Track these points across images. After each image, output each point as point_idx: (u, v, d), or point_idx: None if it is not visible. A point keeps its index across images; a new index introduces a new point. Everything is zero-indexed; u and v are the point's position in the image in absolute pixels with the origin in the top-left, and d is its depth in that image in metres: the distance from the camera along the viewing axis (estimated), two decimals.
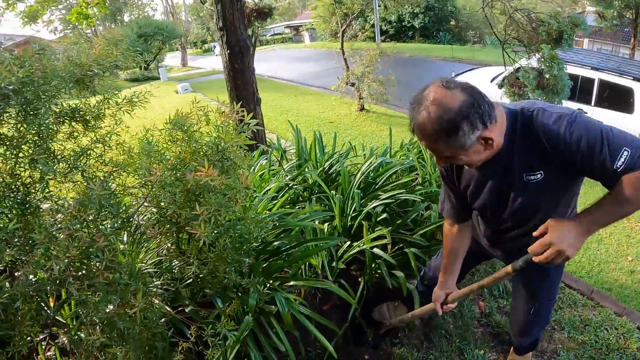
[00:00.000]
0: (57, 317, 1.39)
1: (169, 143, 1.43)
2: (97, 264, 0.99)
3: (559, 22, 3.94)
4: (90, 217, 1.08)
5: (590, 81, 5.64)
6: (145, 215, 1.58)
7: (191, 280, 1.58)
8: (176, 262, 1.62)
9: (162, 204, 1.34)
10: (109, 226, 1.10)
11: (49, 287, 0.94)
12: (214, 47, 28.34)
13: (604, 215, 1.04)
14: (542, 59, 4.04)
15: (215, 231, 1.14)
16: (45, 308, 1.20)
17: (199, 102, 1.45)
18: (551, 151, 1.04)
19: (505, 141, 1.10)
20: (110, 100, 1.41)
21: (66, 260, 0.87)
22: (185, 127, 1.40)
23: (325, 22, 11.20)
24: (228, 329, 1.15)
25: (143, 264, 1.75)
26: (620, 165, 0.97)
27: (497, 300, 2.37)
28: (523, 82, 4.20)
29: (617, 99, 5.79)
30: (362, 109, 8.02)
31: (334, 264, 2.14)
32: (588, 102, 5.52)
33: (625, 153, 0.96)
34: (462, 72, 7.94)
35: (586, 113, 5.42)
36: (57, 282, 0.91)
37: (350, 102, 8.40)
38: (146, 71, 18.61)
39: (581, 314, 2.30)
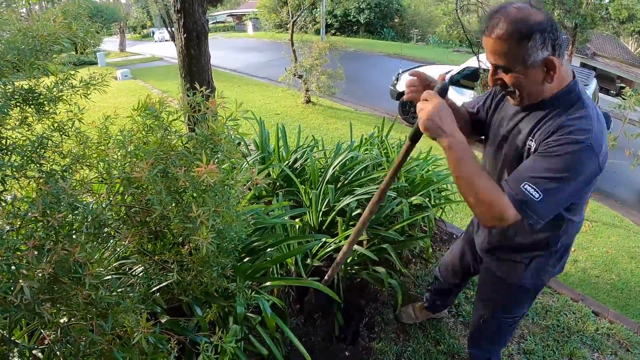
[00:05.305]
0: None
1: (142, 132, 1.26)
2: (70, 280, 0.82)
3: None
4: (56, 222, 0.89)
5: None
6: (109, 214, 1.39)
7: (163, 285, 1.43)
8: (144, 267, 1.45)
9: (132, 204, 1.17)
10: (80, 231, 0.92)
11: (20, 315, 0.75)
12: (153, 32, 26.74)
13: (463, 166, 1.04)
14: None
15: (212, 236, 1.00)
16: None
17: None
18: (545, 139, 1.04)
19: (550, 99, 1.10)
20: (65, 82, 1.21)
21: (39, 279, 0.69)
22: (160, 116, 1.25)
23: (272, 12, 10.85)
24: (226, 341, 1.03)
25: (101, 269, 1.56)
26: (512, 190, 1.03)
27: (465, 290, 2.44)
28: None
29: None
30: (308, 101, 7.94)
31: (308, 260, 2.07)
32: None
33: (526, 188, 1.01)
34: (410, 69, 8.20)
35: None
36: (28, 308, 0.73)
37: (296, 94, 8.27)
38: (82, 55, 16.73)
39: (542, 301, 2.45)
